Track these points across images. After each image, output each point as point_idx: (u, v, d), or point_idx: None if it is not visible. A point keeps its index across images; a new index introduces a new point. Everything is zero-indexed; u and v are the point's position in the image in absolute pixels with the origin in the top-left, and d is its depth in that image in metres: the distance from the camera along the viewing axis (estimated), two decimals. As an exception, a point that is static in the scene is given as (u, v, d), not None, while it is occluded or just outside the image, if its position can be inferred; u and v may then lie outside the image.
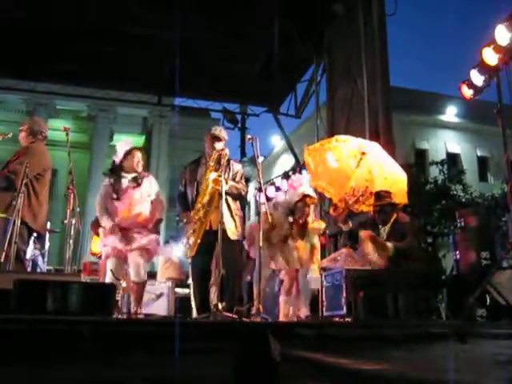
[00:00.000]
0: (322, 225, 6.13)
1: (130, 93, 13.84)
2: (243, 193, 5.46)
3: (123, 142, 5.89)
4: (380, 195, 5.80)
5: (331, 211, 6.17)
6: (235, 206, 5.38)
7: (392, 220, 5.72)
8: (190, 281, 6.82)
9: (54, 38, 10.07)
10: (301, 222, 5.96)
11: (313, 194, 6.08)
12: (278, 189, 11.58)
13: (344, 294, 5.14)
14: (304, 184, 6.28)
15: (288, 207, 6.03)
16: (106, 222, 5.39)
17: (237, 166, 5.55)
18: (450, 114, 25.58)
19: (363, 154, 6.06)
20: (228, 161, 5.41)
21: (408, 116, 22.53)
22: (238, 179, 5.44)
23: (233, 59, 11.07)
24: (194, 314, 5.75)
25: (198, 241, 5.11)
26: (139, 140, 28.14)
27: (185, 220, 5.29)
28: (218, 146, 5.35)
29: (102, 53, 10.56)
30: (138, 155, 5.68)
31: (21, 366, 2.86)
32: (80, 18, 9.68)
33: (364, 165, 6.08)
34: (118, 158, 5.69)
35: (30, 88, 13.52)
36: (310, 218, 6.08)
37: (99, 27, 9.93)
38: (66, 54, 10.49)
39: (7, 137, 5.63)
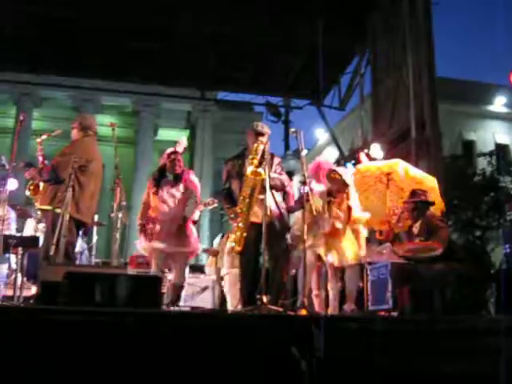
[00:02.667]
0: (366, 214, 5.98)
1: (174, 88, 13.95)
2: (286, 183, 5.44)
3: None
4: (415, 192, 5.77)
5: (377, 236, 6.30)
6: (279, 198, 5.36)
7: (424, 218, 5.66)
8: (224, 272, 6.90)
9: (100, 35, 10.24)
10: (338, 201, 5.80)
11: (338, 170, 5.96)
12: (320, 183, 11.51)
13: (389, 288, 5.08)
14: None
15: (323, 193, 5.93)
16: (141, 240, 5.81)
17: (277, 159, 5.54)
18: (499, 103, 24.90)
19: (388, 174, 6.16)
20: (271, 155, 5.41)
21: (454, 106, 22.06)
22: (279, 171, 5.43)
23: (276, 52, 11.05)
24: (229, 306, 5.77)
25: (244, 234, 5.10)
26: (183, 134, 28.34)
27: (232, 216, 5.29)
28: (264, 140, 5.35)
29: (147, 49, 10.68)
30: (177, 157, 5.95)
31: (70, 356, 2.93)
32: (126, 15, 9.81)
33: (393, 184, 6.20)
34: (162, 160, 6.05)
35: (77, 84, 13.77)
36: (350, 203, 5.86)
37: (144, 24, 10.04)
38: (111, 50, 10.66)
39: (54, 135, 5.74)
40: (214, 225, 21.59)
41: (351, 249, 5.67)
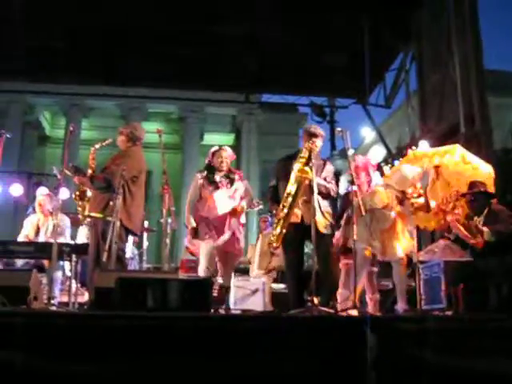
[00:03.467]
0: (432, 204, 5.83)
1: (218, 92, 14.05)
2: (332, 193, 5.44)
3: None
4: (474, 184, 5.65)
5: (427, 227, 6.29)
6: (325, 203, 5.35)
7: (486, 210, 5.54)
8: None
9: (144, 42, 10.39)
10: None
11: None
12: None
13: (443, 287, 4.98)
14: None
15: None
16: (190, 221, 5.76)
17: (330, 167, 5.53)
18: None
19: (436, 167, 5.98)
20: (324, 161, 5.43)
21: (504, 98, 21.47)
22: (329, 180, 5.42)
23: (319, 52, 10.98)
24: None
25: (284, 231, 5.11)
26: (229, 138, 28.51)
27: (274, 211, 5.34)
28: (317, 142, 5.35)
29: (190, 55, 10.78)
30: (223, 154, 5.92)
31: (123, 361, 2.97)
32: (169, 21, 9.92)
33: (442, 178, 6.01)
34: (208, 158, 6.03)
35: (123, 93, 14.01)
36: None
37: (187, 29, 10.14)
38: (156, 57, 10.80)
39: (106, 144, 5.84)
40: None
41: (400, 243, 5.58)
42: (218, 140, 23.73)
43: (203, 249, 5.76)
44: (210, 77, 11.59)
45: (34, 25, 9.61)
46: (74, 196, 6.19)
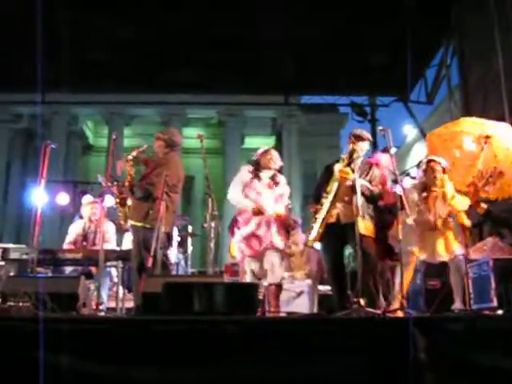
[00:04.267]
0: (467, 201, 5.64)
1: (258, 96, 14.09)
2: (376, 197, 5.36)
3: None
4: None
5: None
6: (367, 205, 5.26)
7: None
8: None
9: (182, 48, 10.48)
10: (435, 193, 5.57)
11: (438, 159, 5.70)
12: (413, 179, 11.21)
13: (493, 286, 4.87)
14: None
15: (420, 184, 5.71)
16: (246, 203, 5.60)
17: (377, 171, 5.45)
18: None
19: (487, 137, 5.82)
20: (370, 164, 5.39)
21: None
22: (374, 183, 5.34)
23: (358, 50, 10.89)
24: None
25: (320, 230, 5.08)
26: (270, 141, 28.55)
27: (313, 211, 5.31)
28: (362, 145, 5.30)
29: (229, 59, 10.83)
30: (273, 153, 5.86)
31: (171, 365, 2.99)
32: (207, 27, 9.99)
33: (489, 148, 5.83)
34: (256, 156, 5.90)
35: (163, 100, 14.17)
36: (448, 192, 5.53)
37: (225, 34, 10.19)
38: (194, 63, 10.90)
39: (142, 150, 5.89)
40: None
41: (447, 242, 5.44)
42: (259, 143, 23.70)
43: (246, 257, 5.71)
44: (250, 80, 11.63)
45: (78, 38, 9.81)
46: (115, 202, 6.29)
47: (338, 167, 5.03)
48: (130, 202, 5.86)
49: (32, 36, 8.30)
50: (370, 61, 11.11)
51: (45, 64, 8.07)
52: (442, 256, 5.40)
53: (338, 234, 5.15)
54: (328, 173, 5.35)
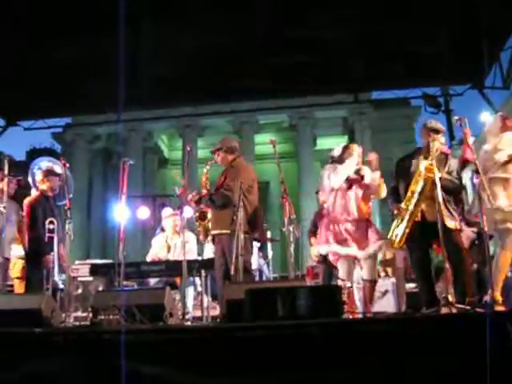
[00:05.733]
0: None
1: (327, 96, 13.98)
2: (457, 188, 5.21)
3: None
4: None
5: None
6: (449, 198, 5.12)
7: None
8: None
9: (247, 54, 10.54)
10: None
11: None
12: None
13: None
14: None
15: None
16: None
17: (453, 161, 5.28)
18: None
19: None
20: (446, 154, 5.22)
21: None
22: (454, 175, 5.18)
23: (425, 40, 10.60)
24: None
25: (407, 231, 4.97)
26: (342, 140, 28.29)
27: (395, 212, 5.20)
28: (439, 138, 5.16)
29: (295, 62, 10.80)
30: (355, 147, 5.80)
31: (259, 372, 3.00)
32: (274, 32, 10.01)
33: None
34: (336, 152, 5.87)
35: (234, 109, 14.31)
36: None
37: (287, 38, 10.18)
38: (260, 69, 10.92)
39: (213, 161, 6.01)
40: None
41: None
42: (332, 143, 23.57)
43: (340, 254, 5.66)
44: (318, 81, 11.55)
45: (145, 53, 10.06)
46: (194, 217, 6.39)
47: (423, 165, 4.89)
48: (209, 215, 5.96)
49: (105, 59, 8.64)
50: (440, 48, 10.79)
51: (123, 83, 8.31)
52: None
53: (424, 232, 5.03)
54: (402, 169, 5.24)
